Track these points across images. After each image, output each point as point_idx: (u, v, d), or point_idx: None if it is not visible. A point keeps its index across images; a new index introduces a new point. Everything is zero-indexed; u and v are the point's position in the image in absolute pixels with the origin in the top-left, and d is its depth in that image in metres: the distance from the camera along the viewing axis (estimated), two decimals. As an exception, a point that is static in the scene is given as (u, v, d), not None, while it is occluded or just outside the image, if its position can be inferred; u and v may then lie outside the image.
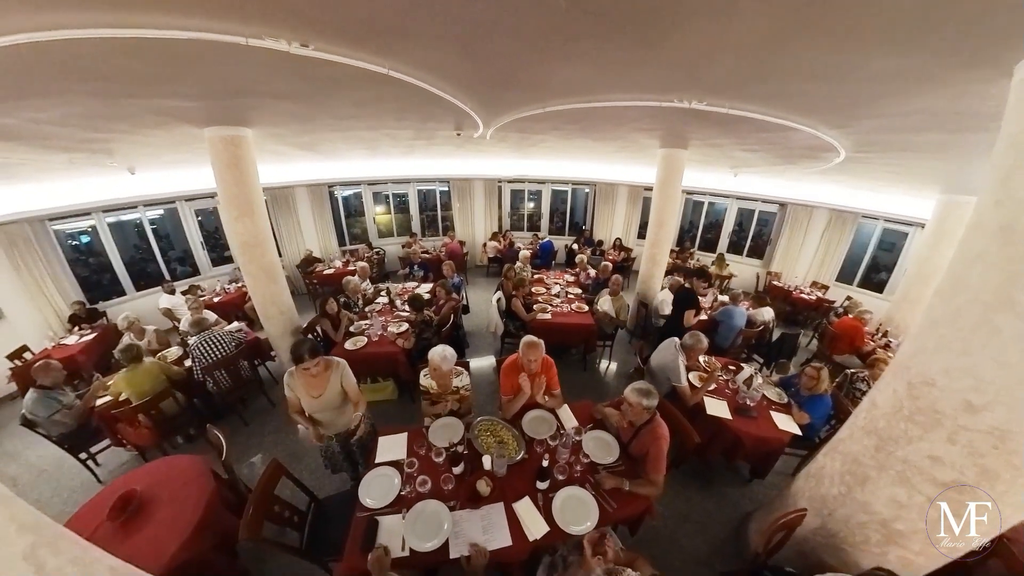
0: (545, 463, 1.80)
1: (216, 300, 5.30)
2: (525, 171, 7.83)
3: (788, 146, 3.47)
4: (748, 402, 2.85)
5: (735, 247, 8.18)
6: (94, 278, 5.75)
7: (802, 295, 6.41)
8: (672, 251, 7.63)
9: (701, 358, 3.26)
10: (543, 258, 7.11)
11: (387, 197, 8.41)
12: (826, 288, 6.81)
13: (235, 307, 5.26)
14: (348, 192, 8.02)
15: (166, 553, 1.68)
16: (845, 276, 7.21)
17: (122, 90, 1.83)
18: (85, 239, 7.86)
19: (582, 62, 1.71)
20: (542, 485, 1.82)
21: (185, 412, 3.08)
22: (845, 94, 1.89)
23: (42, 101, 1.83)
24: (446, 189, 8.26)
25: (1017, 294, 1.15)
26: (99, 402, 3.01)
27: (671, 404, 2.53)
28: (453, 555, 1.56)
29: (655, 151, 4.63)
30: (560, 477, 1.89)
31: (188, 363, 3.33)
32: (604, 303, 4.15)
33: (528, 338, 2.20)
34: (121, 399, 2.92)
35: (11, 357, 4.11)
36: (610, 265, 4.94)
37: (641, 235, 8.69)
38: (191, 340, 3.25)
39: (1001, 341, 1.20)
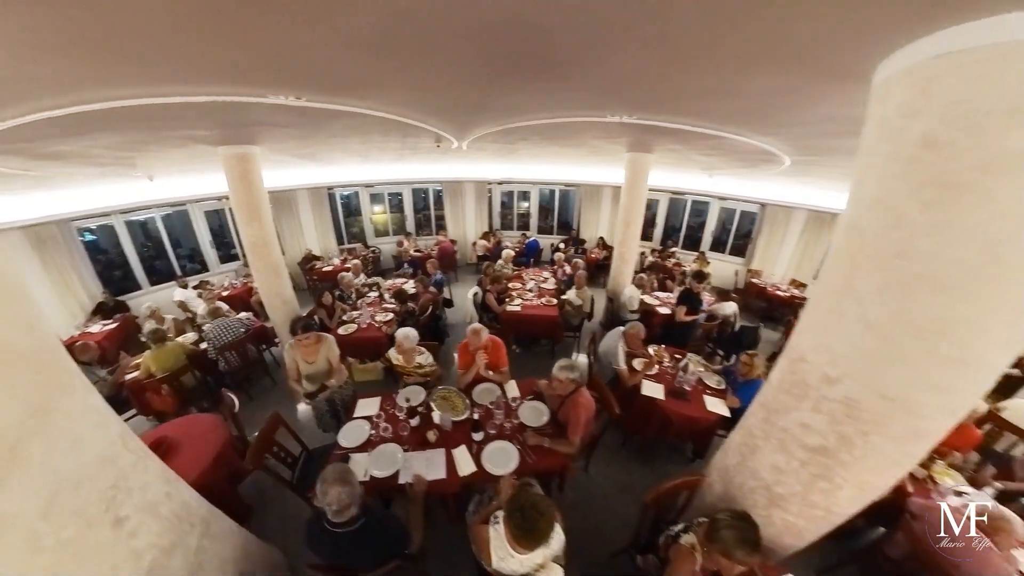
0: (476, 416, 2.35)
1: (225, 294, 5.95)
2: (513, 174, 8.40)
3: (735, 150, 3.79)
4: (685, 387, 3.21)
5: (721, 245, 8.60)
6: (105, 274, 6.41)
7: (777, 292, 6.83)
8: (654, 251, 8.11)
9: (651, 348, 3.76)
10: (529, 256, 7.66)
11: (383, 197, 9.03)
12: (804, 286, 7.19)
13: (242, 300, 5.91)
14: (347, 192, 8.66)
15: (189, 478, 2.26)
16: (824, 274, 7.60)
17: (160, 126, 2.43)
18: (90, 237, 8.56)
19: (518, 91, 2.17)
20: (476, 436, 2.36)
21: (200, 387, 3.70)
22: (745, 108, 2.17)
23: (99, 134, 2.44)
24: (440, 189, 8.87)
25: (856, 282, 1.32)
26: (128, 377, 3.64)
27: (604, 383, 3.01)
28: (401, 481, 2.11)
29: (623, 155, 5.09)
30: (492, 432, 2.43)
31: (204, 346, 3.96)
32: (571, 295, 4.69)
33: (473, 326, 2.79)
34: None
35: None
36: (581, 262, 5.51)
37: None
38: (207, 326, 3.88)
39: (846, 322, 1.37)
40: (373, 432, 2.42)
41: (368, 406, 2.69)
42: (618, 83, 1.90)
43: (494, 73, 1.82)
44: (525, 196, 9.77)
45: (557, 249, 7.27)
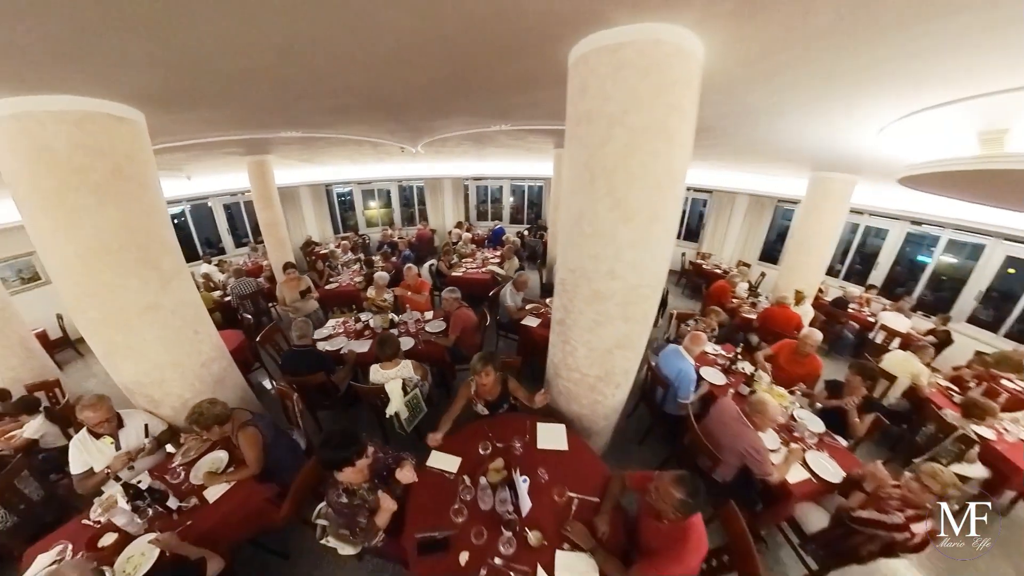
0: (394, 318, 4.05)
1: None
2: (486, 171, 10.08)
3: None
4: (559, 321, 4.79)
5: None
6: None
7: (716, 270, 8.15)
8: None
9: (548, 300, 5.27)
10: (494, 241, 9.29)
11: (376, 194, 10.92)
12: (748, 266, 8.42)
13: (253, 275, 7.80)
14: (345, 190, 10.59)
15: (224, 357, 4.02)
16: (770, 255, 8.85)
17: (214, 147, 4.24)
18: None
19: (424, 119, 3.82)
20: (393, 332, 4.04)
21: (225, 325, 5.52)
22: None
23: (177, 153, 4.26)
24: (423, 186, 10.68)
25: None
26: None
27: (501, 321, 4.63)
28: (342, 352, 3.79)
29: (552, 152, 6.64)
30: (403, 331, 4.12)
31: (228, 299, 5.80)
32: (495, 268, 6.32)
33: (408, 265, 4.47)
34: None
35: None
36: (519, 241, 7.12)
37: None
38: (231, 284, 5.73)
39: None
40: (333, 331, 4.19)
41: (334, 322, 4.44)
42: (471, 112, 3.42)
43: (401, 116, 3.56)
44: (497, 191, 11.47)
45: (519, 235, 8.89)
